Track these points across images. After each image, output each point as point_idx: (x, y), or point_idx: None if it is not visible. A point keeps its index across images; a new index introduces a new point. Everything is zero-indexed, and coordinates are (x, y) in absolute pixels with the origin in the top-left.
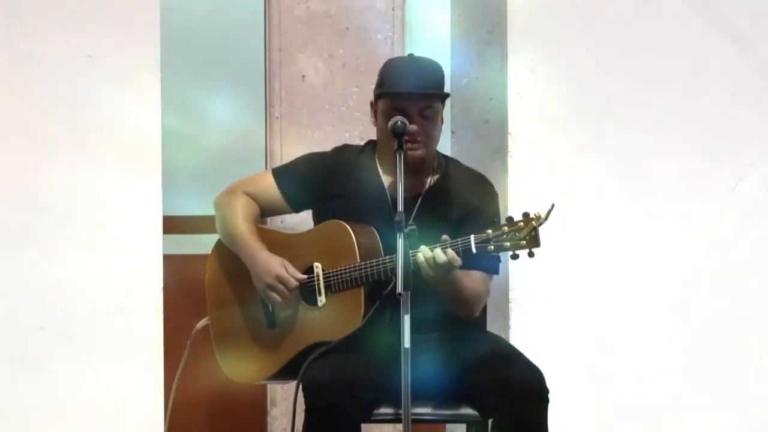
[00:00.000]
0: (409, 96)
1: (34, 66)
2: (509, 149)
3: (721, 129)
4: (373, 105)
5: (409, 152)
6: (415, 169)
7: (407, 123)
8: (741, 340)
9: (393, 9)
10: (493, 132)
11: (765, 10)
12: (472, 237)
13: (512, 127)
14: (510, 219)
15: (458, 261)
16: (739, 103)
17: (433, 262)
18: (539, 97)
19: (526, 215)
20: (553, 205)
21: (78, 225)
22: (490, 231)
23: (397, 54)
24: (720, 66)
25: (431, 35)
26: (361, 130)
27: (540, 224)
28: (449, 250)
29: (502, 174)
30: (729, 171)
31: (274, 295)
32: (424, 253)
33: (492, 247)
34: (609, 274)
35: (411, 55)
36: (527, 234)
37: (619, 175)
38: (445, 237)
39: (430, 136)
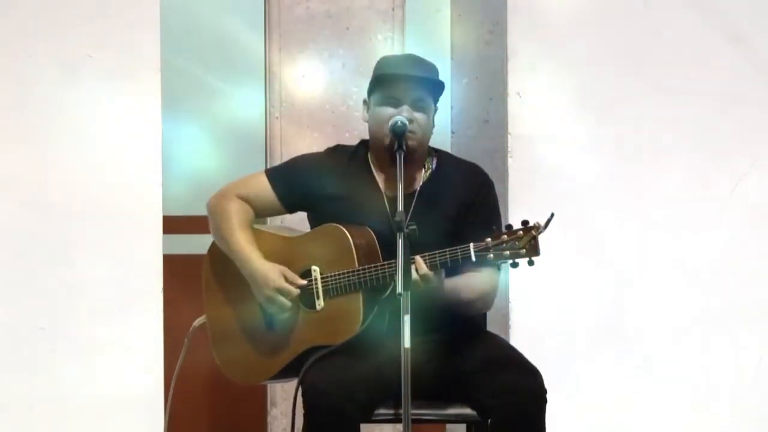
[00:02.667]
0: (404, 78)
1: (34, 66)
2: (509, 149)
3: (721, 129)
4: (366, 102)
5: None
6: (405, 161)
7: (407, 123)
8: (741, 340)
9: (393, 9)
10: (493, 132)
11: (765, 10)
12: (472, 246)
13: (512, 127)
14: (509, 227)
15: (430, 281)
16: (739, 103)
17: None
18: (539, 97)
19: (525, 224)
20: (552, 215)
21: (78, 225)
22: (489, 240)
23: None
24: (720, 66)
25: (431, 35)
26: (361, 130)
27: (539, 233)
28: (421, 267)
29: (502, 174)
30: (729, 171)
31: (276, 308)
32: (418, 265)
33: (491, 255)
34: (608, 274)
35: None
36: (527, 243)
37: (619, 176)
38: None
39: (422, 128)
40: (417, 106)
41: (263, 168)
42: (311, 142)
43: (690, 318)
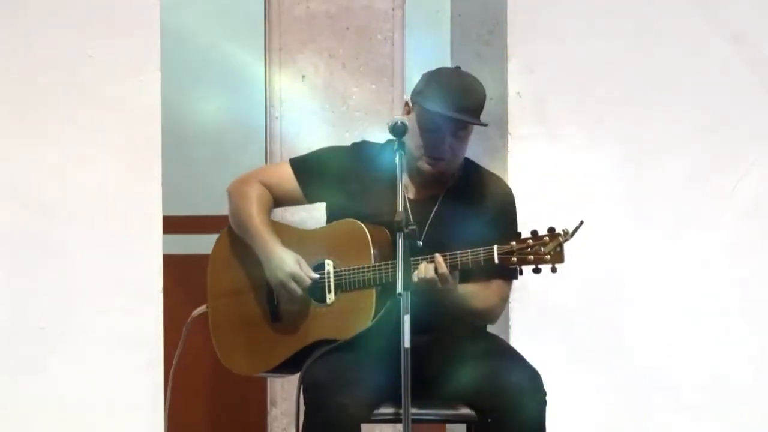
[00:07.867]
0: (446, 119)
1: (34, 66)
2: (509, 149)
3: (721, 129)
4: (408, 105)
5: (430, 166)
6: (432, 181)
7: (407, 124)
8: (741, 340)
9: (393, 9)
10: (493, 132)
11: (765, 10)
12: (495, 248)
13: (512, 127)
14: (534, 233)
15: (448, 281)
16: (739, 103)
17: (423, 277)
18: (539, 97)
19: (551, 230)
20: (581, 222)
21: (78, 225)
22: (514, 243)
23: (397, 54)
24: (720, 66)
25: (431, 35)
26: (361, 130)
27: (566, 240)
28: (441, 266)
29: (502, 174)
30: (729, 171)
31: (286, 294)
32: (437, 264)
33: (515, 259)
34: (609, 275)
35: (458, 69)
36: (552, 249)
37: (618, 176)
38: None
39: (456, 156)
40: (457, 135)
41: None
42: (311, 142)
43: (690, 318)
